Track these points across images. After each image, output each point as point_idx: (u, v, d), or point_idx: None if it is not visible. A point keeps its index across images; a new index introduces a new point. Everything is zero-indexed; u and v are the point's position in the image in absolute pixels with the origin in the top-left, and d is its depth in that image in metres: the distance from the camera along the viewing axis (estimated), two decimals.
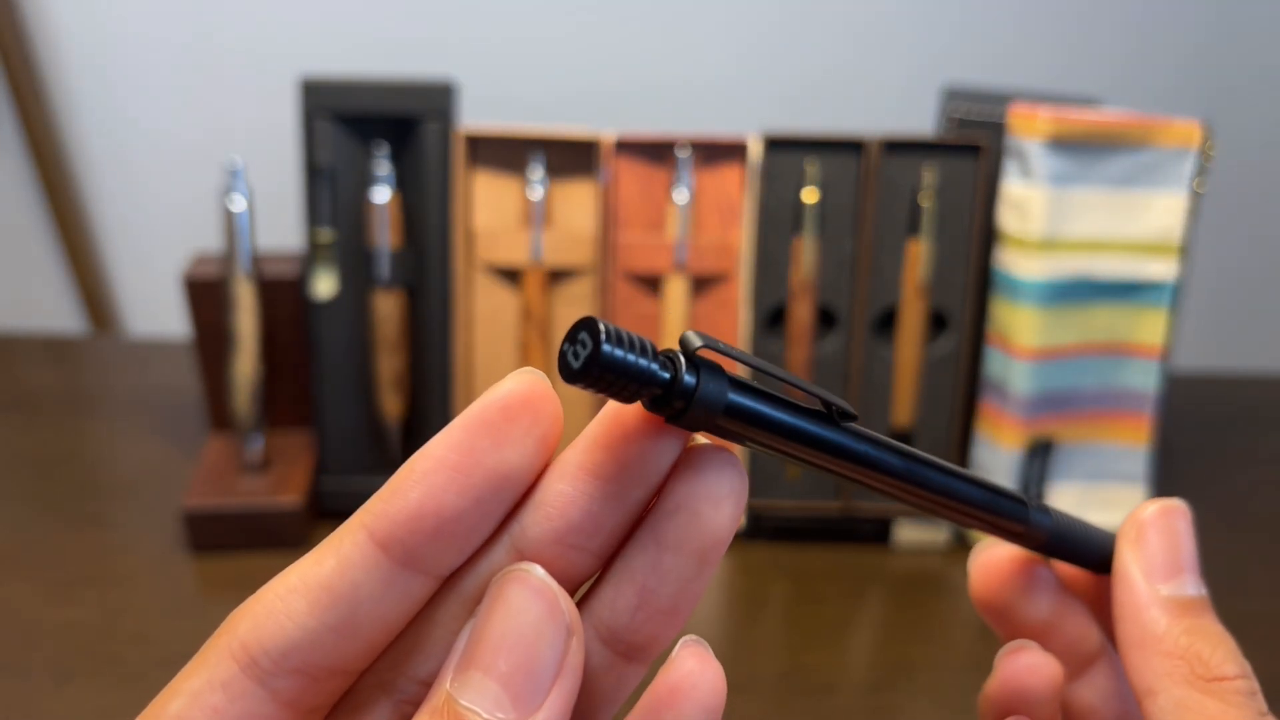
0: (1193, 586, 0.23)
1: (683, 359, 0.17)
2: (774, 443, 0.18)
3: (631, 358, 0.16)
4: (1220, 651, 0.22)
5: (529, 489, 0.18)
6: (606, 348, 0.16)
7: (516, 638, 0.16)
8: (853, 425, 0.19)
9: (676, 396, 0.17)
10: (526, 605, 0.16)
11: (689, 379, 0.17)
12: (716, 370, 0.17)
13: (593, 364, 0.16)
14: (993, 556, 0.26)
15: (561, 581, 0.17)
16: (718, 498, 0.17)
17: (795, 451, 0.18)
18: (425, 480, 0.17)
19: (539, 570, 0.17)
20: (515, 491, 0.17)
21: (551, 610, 0.16)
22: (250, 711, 0.17)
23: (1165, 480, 0.71)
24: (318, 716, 0.18)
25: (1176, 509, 0.25)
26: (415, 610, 0.17)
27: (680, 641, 0.18)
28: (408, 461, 0.17)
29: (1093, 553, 0.25)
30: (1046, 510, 0.24)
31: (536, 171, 0.62)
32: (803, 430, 0.18)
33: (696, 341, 0.17)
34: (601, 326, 0.16)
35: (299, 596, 0.17)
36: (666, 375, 0.17)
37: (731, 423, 0.17)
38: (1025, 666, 0.24)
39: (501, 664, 0.16)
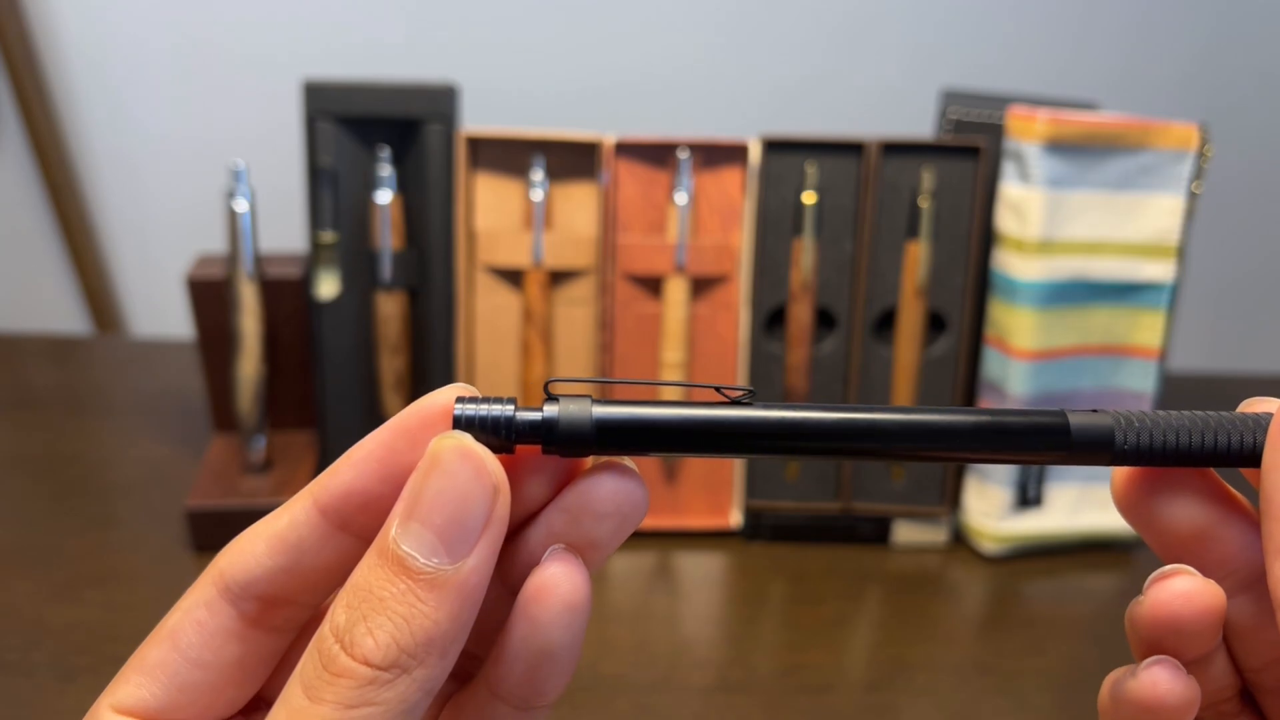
0: None
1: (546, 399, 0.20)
2: (675, 441, 0.20)
3: (483, 413, 0.20)
4: None
5: None
6: (458, 410, 0.20)
7: (450, 495, 0.19)
8: (759, 404, 0.21)
9: (539, 431, 0.20)
10: (459, 467, 0.19)
11: (546, 413, 0.20)
12: (578, 399, 0.20)
13: (456, 423, 0.20)
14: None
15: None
16: (600, 513, 0.21)
17: (705, 444, 0.20)
18: (356, 466, 0.20)
19: (469, 438, 0.19)
20: None
21: (480, 472, 0.19)
22: (223, 626, 0.21)
23: None
24: (280, 635, 0.22)
25: None
26: (349, 563, 0.21)
27: (550, 549, 0.21)
28: (351, 448, 0.21)
29: (1229, 448, 0.21)
30: (1103, 421, 0.21)
31: (537, 173, 0.62)
32: (698, 420, 0.20)
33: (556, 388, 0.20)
34: (458, 407, 0.20)
35: (261, 542, 0.21)
36: (510, 413, 0.20)
37: (614, 436, 0.20)
38: (1178, 594, 0.21)
39: (437, 517, 0.19)
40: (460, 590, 0.19)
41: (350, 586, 0.19)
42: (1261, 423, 0.21)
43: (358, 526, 0.21)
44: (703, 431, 0.20)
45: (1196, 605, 0.21)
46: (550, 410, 0.20)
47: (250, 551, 0.21)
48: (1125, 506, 0.23)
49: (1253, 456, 0.21)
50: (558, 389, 0.21)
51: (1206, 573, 0.22)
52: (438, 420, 0.20)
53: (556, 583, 0.20)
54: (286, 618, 0.22)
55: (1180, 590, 0.21)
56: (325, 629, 0.19)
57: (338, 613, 0.19)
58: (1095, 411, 0.21)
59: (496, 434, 0.20)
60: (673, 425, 0.20)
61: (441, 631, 0.19)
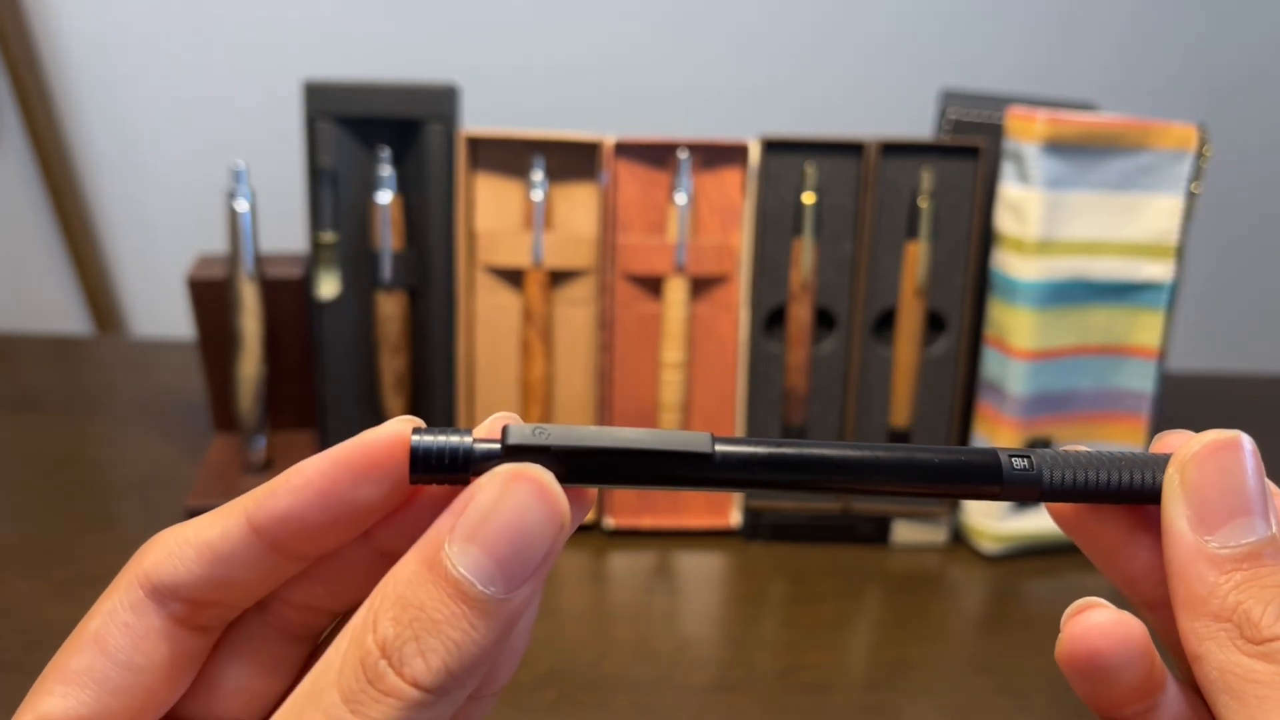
0: (1251, 531, 0.20)
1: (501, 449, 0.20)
2: (627, 475, 0.21)
3: (440, 443, 0.20)
4: (1273, 608, 0.20)
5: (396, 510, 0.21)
6: (415, 441, 0.20)
7: (520, 529, 0.19)
8: (723, 445, 0.21)
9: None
10: (533, 504, 0.19)
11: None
12: (534, 450, 0.20)
13: (414, 453, 0.20)
14: None
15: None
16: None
17: (655, 476, 0.21)
18: (295, 494, 0.20)
19: (543, 473, 0.19)
20: (370, 518, 0.21)
21: (553, 512, 0.19)
22: (151, 627, 0.21)
23: None
24: (207, 635, 0.22)
25: (1229, 444, 0.21)
26: (280, 577, 0.21)
27: None
28: (292, 467, 0.20)
29: (1142, 486, 0.22)
30: (1032, 461, 0.22)
31: (537, 174, 0.62)
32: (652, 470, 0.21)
33: (518, 435, 0.20)
34: (415, 438, 0.20)
35: (191, 549, 0.21)
36: (468, 444, 0.20)
37: (574, 469, 0.20)
38: (1092, 627, 0.21)
39: (502, 548, 0.19)
40: (509, 620, 0.19)
41: (397, 598, 0.19)
42: (1160, 462, 0.22)
43: (294, 551, 0.21)
44: (651, 464, 0.21)
45: (1113, 636, 0.21)
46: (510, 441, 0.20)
47: (179, 557, 0.21)
48: (1061, 520, 0.24)
49: (1155, 494, 0.22)
50: (513, 423, 0.21)
51: (1137, 579, 0.23)
52: (381, 456, 0.20)
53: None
54: (215, 616, 0.22)
55: (1094, 623, 0.21)
56: (368, 639, 0.18)
57: (383, 623, 0.18)
58: (1025, 453, 0.22)
59: (454, 469, 0.20)
60: (627, 460, 0.20)
61: (486, 658, 0.19)
